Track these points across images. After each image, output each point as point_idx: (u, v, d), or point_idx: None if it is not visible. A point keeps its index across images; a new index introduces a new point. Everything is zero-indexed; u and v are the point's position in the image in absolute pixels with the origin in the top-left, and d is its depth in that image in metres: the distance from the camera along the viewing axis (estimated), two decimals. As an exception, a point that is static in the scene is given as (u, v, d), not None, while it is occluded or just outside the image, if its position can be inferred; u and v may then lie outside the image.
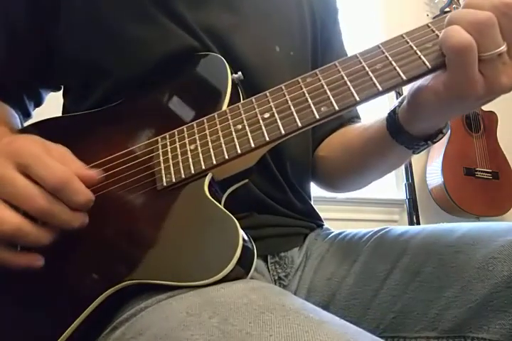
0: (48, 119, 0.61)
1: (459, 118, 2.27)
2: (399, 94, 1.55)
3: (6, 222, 0.42)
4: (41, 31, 0.65)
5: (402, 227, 0.62)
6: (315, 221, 0.70)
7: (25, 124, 0.70)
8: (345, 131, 0.73)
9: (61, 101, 0.72)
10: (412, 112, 0.51)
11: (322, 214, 0.73)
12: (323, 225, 0.72)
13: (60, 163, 0.44)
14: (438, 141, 0.55)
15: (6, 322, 0.48)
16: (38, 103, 0.73)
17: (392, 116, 0.54)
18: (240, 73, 0.55)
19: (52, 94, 0.75)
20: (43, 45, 0.65)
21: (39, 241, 0.44)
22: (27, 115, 0.72)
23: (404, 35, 0.46)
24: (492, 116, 2.40)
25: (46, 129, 0.60)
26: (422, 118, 0.51)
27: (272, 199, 0.63)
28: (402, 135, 0.54)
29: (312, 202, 0.72)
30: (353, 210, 2.03)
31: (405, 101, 0.51)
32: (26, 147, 0.44)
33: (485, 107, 2.32)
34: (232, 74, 0.55)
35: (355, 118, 0.76)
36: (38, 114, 0.73)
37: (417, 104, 0.48)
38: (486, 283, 0.48)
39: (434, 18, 2.56)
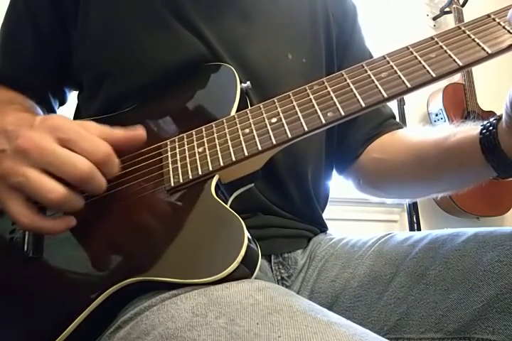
0: None
1: (458, 119, 2.27)
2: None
3: (53, 191, 0.43)
4: (63, 30, 0.66)
5: (406, 233, 0.63)
6: (319, 227, 0.71)
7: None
8: (407, 134, 0.69)
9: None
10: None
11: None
12: (326, 231, 0.73)
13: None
14: None
15: (6, 319, 0.48)
16: (62, 101, 0.75)
17: (490, 129, 0.52)
18: (248, 83, 0.56)
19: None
20: (65, 44, 0.66)
21: (79, 208, 0.46)
22: (52, 113, 0.73)
23: (409, 47, 0.47)
24: (491, 116, 2.40)
25: None
26: None
27: (277, 205, 0.63)
28: (496, 153, 0.50)
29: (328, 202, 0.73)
30: (353, 210, 2.03)
31: (505, 117, 0.48)
32: (65, 123, 0.46)
33: (485, 107, 2.33)
34: (241, 83, 0.56)
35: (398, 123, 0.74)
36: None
37: None
38: (492, 285, 0.48)
39: (434, 18, 2.58)
